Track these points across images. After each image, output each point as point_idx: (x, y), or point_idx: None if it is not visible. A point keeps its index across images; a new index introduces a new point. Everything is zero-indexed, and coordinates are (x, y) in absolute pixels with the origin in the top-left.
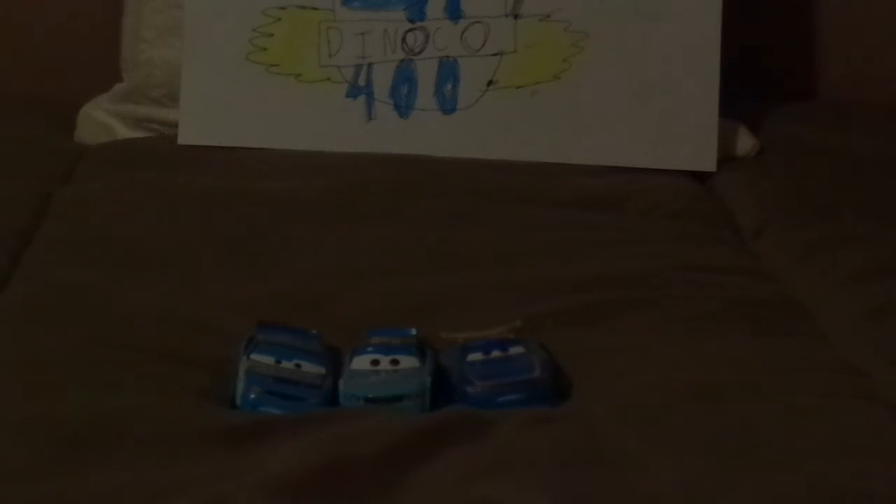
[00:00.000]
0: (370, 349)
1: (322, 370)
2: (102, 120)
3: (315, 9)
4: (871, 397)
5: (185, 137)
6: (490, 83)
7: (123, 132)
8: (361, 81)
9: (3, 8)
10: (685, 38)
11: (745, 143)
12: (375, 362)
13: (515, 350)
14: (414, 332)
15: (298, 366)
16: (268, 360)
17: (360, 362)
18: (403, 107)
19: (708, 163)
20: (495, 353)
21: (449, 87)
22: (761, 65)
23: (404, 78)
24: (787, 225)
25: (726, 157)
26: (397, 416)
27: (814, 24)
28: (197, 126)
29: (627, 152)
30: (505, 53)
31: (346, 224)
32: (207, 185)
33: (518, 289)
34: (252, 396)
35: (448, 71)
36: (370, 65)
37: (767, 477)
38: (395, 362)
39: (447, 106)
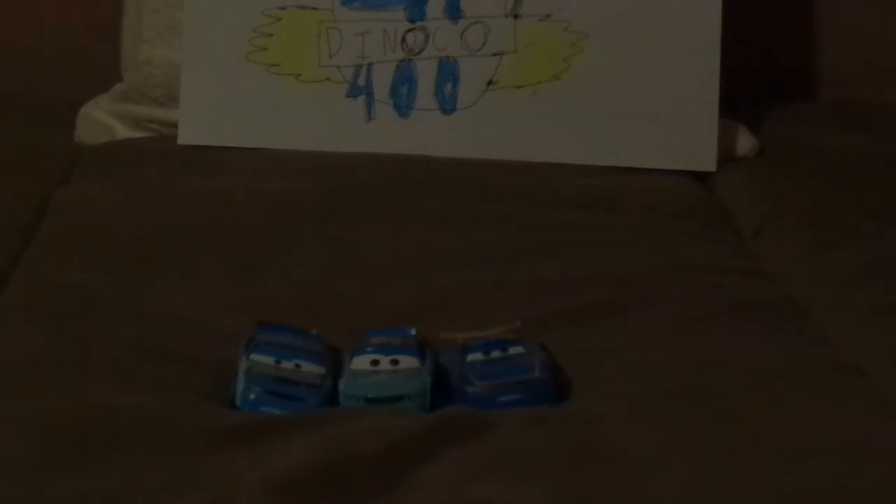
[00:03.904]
0: (370, 349)
1: (322, 370)
2: (102, 120)
3: (315, 9)
4: (871, 397)
5: (185, 137)
6: (490, 83)
7: (123, 132)
8: (361, 81)
9: (3, 8)
10: (685, 39)
11: (745, 143)
12: (375, 362)
13: (515, 350)
14: (414, 332)
15: (298, 366)
16: (267, 360)
17: (360, 362)
18: (403, 107)
19: (708, 163)
20: (495, 353)
21: (449, 87)
22: (761, 65)
23: (404, 78)
24: (787, 225)
25: (726, 157)
26: (397, 416)
27: (814, 23)
28: (197, 126)
29: (627, 152)
30: (505, 53)
31: (346, 224)
32: (207, 185)
33: (518, 289)
34: (252, 396)
35: (448, 71)
36: (370, 65)
37: (767, 477)
38: (395, 362)
39: (447, 106)
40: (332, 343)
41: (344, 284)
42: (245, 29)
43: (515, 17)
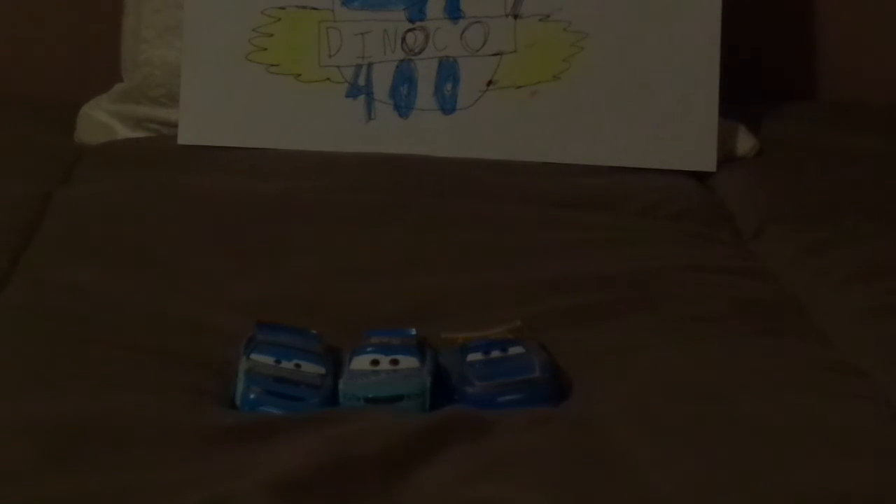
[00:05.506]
0: (370, 349)
1: (322, 370)
2: (102, 120)
3: (315, 9)
4: (871, 397)
5: (185, 137)
6: (490, 83)
7: (123, 132)
8: (361, 81)
9: (4, 9)
10: (685, 39)
11: (745, 143)
12: (375, 362)
13: (515, 350)
14: (414, 332)
15: (298, 366)
16: (268, 360)
17: (360, 362)
18: (403, 107)
19: (708, 163)
20: (495, 353)
21: (449, 87)
22: (761, 65)
23: (404, 78)
24: (787, 225)
25: (726, 157)
26: (397, 416)
27: (813, 24)
28: (197, 126)
29: (627, 152)
30: (505, 53)
31: (346, 224)
32: (207, 185)
33: (518, 289)
34: (252, 396)
35: (448, 71)
36: (370, 65)
37: (767, 477)
38: (395, 362)
39: (447, 106)
40: (332, 343)
41: (344, 284)
42: (245, 29)
43: (515, 17)
